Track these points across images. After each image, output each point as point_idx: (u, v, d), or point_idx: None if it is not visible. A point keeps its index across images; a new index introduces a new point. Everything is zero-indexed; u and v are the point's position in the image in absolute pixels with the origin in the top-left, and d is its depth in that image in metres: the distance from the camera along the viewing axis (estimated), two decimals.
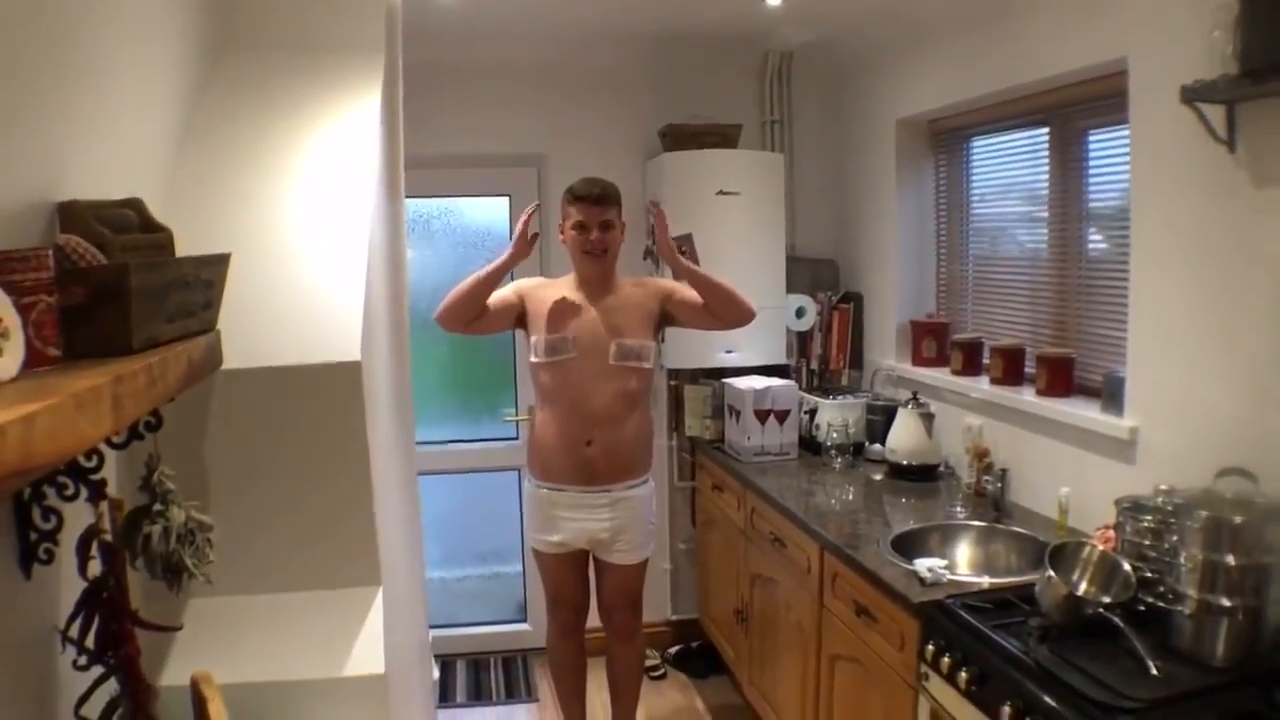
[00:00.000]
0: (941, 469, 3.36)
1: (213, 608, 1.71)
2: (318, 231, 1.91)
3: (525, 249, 3.02)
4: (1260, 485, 1.95)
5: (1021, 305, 3.24)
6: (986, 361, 3.28)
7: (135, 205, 1.48)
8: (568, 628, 3.33)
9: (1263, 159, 2.06)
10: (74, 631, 1.29)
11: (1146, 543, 2.06)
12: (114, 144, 1.60)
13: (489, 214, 4.31)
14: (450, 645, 4.26)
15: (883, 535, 2.73)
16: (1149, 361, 2.45)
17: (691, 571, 4.36)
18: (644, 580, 3.28)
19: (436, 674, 3.63)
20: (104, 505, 1.30)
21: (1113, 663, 1.84)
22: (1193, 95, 2.10)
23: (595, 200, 3.00)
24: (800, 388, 3.93)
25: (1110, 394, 2.61)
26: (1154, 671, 1.79)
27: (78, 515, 1.30)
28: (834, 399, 3.77)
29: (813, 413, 3.79)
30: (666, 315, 3.12)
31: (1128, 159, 2.51)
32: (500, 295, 3.06)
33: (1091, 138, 2.88)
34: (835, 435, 3.59)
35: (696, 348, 3.91)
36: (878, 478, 3.42)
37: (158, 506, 1.43)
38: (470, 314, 3.00)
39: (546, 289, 3.14)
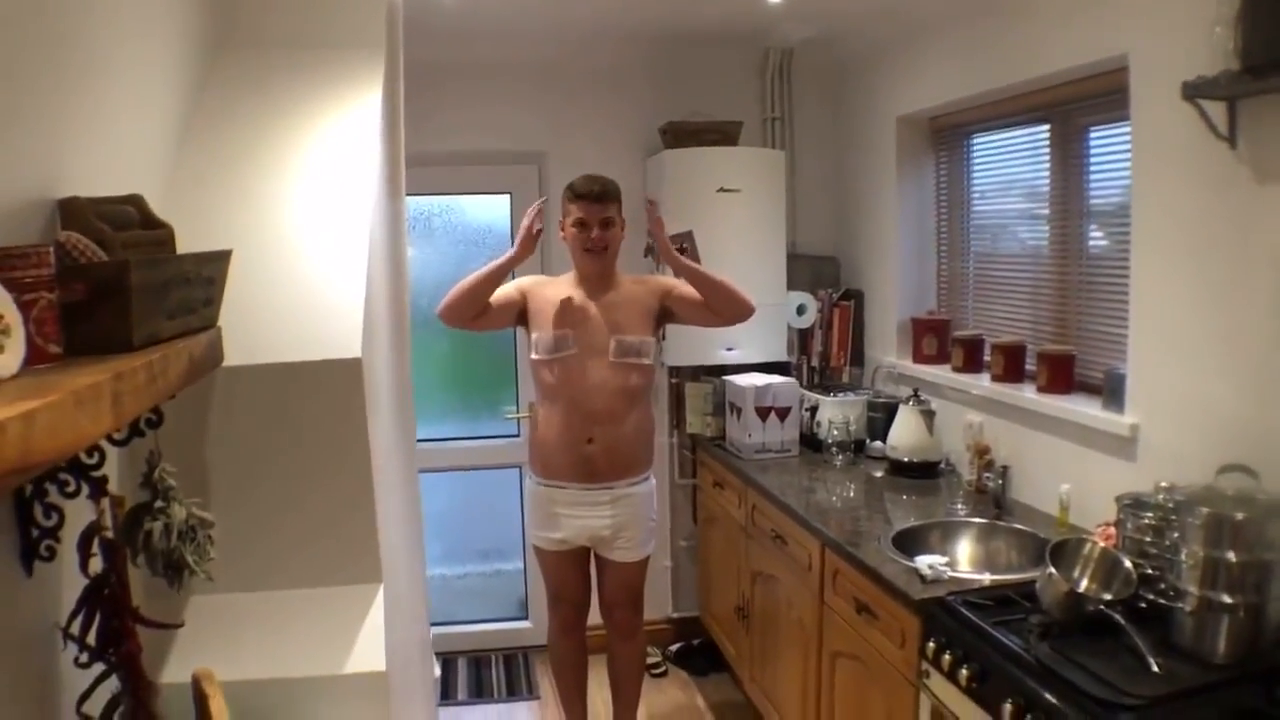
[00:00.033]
0: (942, 466, 3.36)
1: (214, 605, 1.71)
2: (319, 228, 1.91)
3: (530, 246, 3.02)
4: (1261, 482, 1.95)
5: (1022, 302, 3.24)
6: (987, 358, 3.28)
7: (136, 202, 1.48)
8: (569, 625, 3.33)
9: (1264, 155, 2.05)
10: (75, 628, 1.29)
11: (1147, 539, 2.06)
12: (115, 141, 1.60)
13: (490, 212, 4.31)
14: (451, 643, 4.27)
15: (884, 532, 2.73)
16: (1150, 358, 2.45)
17: (692, 569, 4.36)
18: (645, 578, 3.28)
19: (438, 671, 3.63)
20: (105, 502, 1.31)
21: (1114, 660, 1.84)
22: (1194, 92, 2.10)
23: (596, 198, 3.00)
24: (801, 385, 3.93)
25: (1111, 391, 2.61)
26: (1155, 669, 1.79)
27: (79, 512, 1.30)
28: (835, 396, 3.77)
29: (814, 410, 3.79)
30: (666, 312, 3.12)
31: (1129, 156, 2.50)
32: (503, 292, 3.05)
33: (1092, 134, 2.87)
34: (836, 432, 3.59)
35: (697, 345, 3.91)
36: (879, 475, 3.42)
37: (159, 503, 1.43)
38: (473, 310, 3.00)
39: (548, 286, 3.14)
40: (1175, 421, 2.36)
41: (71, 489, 1.27)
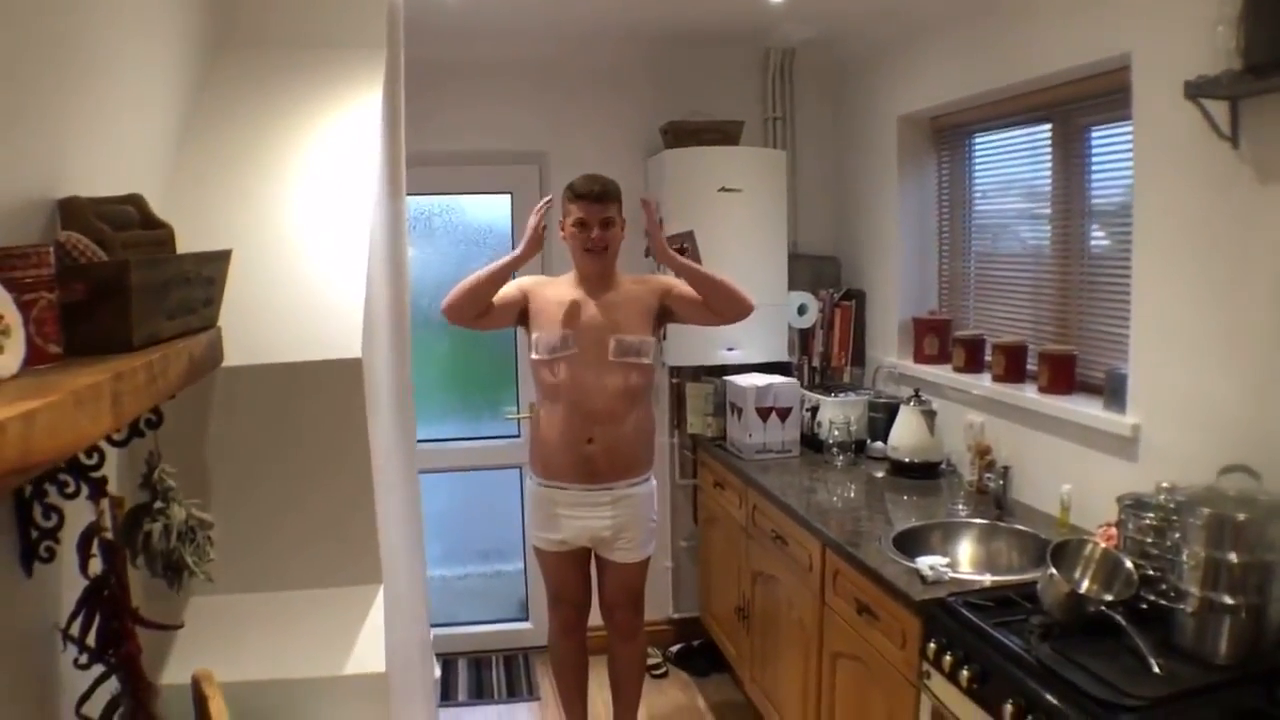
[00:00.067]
0: (943, 466, 3.36)
1: (213, 606, 1.71)
2: (319, 228, 1.90)
3: (537, 245, 3.02)
4: (1263, 482, 1.95)
5: (1023, 302, 3.24)
6: (988, 359, 3.27)
7: (136, 202, 1.48)
8: (569, 626, 3.33)
9: (1266, 155, 2.05)
10: (75, 630, 1.29)
11: (1149, 540, 2.06)
12: (115, 141, 1.60)
13: (490, 212, 4.32)
14: (452, 644, 4.27)
15: (884, 533, 2.73)
16: (1151, 358, 2.45)
17: (693, 569, 4.36)
18: (645, 578, 3.28)
19: (438, 672, 3.63)
20: (105, 503, 1.30)
21: (1115, 661, 1.84)
22: (1196, 91, 2.09)
23: (596, 198, 3.00)
24: (802, 385, 3.93)
25: (1112, 391, 2.61)
26: (1156, 669, 1.79)
27: (79, 513, 1.30)
28: (836, 396, 3.77)
29: (814, 410, 3.79)
30: (666, 311, 3.12)
31: (1130, 155, 2.50)
32: (505, 291, 3.05)
33: (1094, 134, 2.87)
34: (837, 432, 3.59)
35: (698, 345, 3.91)
36: (879, 475, 3.42)
37: (158, 504, 1.43)
38: (477, 308, 3.00)
39: (549, 286, 3.15)
40: (1177, 422, 2.35)
41: (71, 490, 1.26)
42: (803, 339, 4.22)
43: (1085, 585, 2.08)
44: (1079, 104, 2.87)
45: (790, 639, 3.12)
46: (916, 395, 3.41)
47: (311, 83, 2.12)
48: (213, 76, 2.09)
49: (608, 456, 3.03)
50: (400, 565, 2.24)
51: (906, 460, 3.35)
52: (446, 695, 3.99)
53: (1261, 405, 2.09)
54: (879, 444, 3.56)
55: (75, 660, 1.30)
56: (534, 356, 3.07)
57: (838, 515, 3.00)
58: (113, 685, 1.33)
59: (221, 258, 1.52)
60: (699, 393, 4.11)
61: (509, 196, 4.27)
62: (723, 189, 3.87)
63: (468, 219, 4.31)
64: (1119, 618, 1.92)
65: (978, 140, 3.53)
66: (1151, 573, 2.02)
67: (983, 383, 3.21)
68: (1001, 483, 2.91)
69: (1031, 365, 3.06)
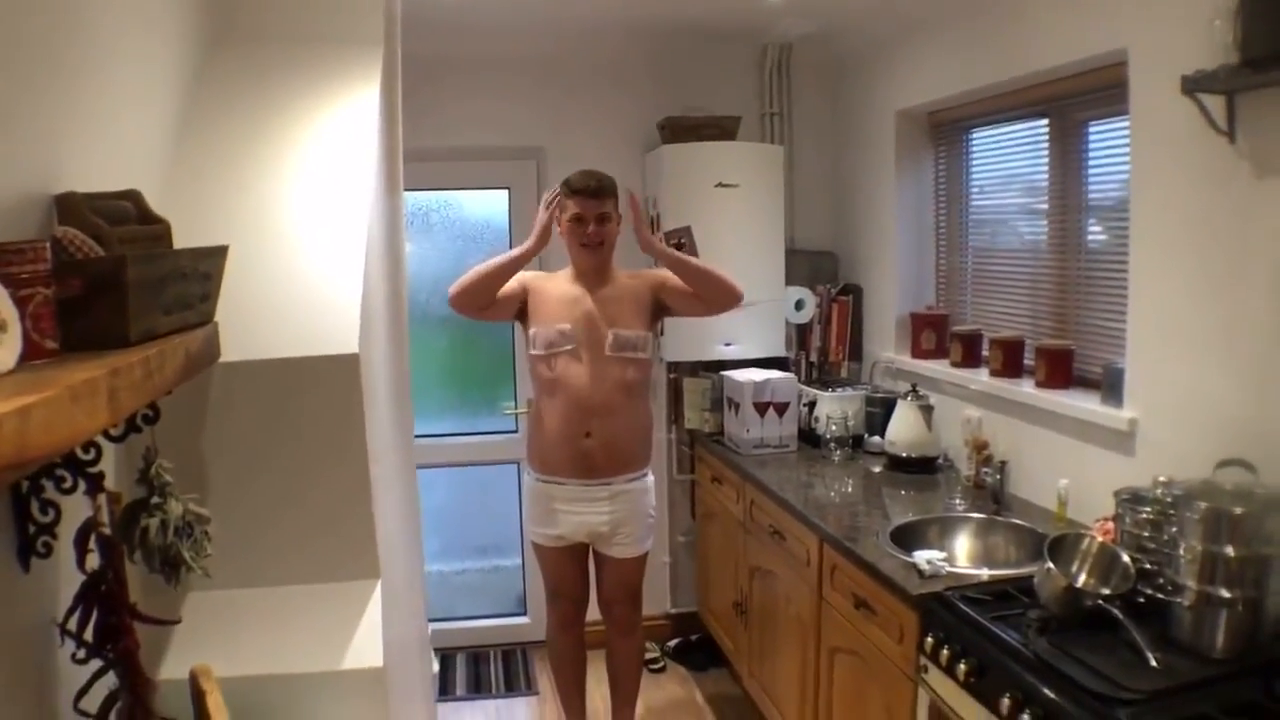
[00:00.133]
0: (940, 461, 3.36)
1: (211, 601, 1.71)
2: (316, 224, 1.90)
3: (547, 239, 3.03)
4: (1260, 476, 1.95)
5: (1021, 297, 3.24)
6: (986, 353, 3.27)
7: (133, 197, 1.48)
8: (567, 621, 3.34)
9: (1264, 149, 2.05)
10: (73, 625, 1.29)
11: (1146, 534, 2.06)
12: (112, 136, 1.59)
13: (488, 207, 4.31)
14: (450, 639, 4.27)
15: (882, 527, 2.73)
16: (1148, 353, 2.45)
17: (691, 564, 4.36)
18: (644, 573, 3.28)
19: (436, 667, 3.63)
20: (102, 498, 1.30)
21: (1112, 654, 1.84)
22: (1193, 86, 2.09)
23: (592, 193, 3.01)
24: (799, 380, 3.93)
25: (1109, 385, 2.61)
26: (1153, 663, 1.79)
27: (76, 508, 1.29)
28: (833, 391, 3.77)
29: (812, 405, 3.79)
30: (661, 304, 3.13)
31: (1127, 150, 2.50)
32: (507, 285, 3.06)
33: (1091, 129, 2.87)
34: (834, 427, 3.59)
35: (695, 340, 3.91)
36: (877, 470, 3.42)
37: (155, 499, 1.43)
38: (485, 300, 3.01)
39: (547, 282, 3.16)
40: (1174, 416, 2.36)
41: (68, 485, 1.26)
42: (800, 334, 4.22)
43: (1082, 579, 2.09)
44: (1076, 99, 2.87)
45: (788, 634, 3.13)
46: (914, 390, 3.41)
47: (309, 78, 2.12)
48: (210, 72, 2.08)
49: (606, 451, 3.03)
50: (398, 560, 2.24)
51: (904, 455, 3.35)
52: (445, 690, 3.99)
53: (1258, 399, 2.09)
54: (876, 439, 3.57)
55: (73, 655, 1.30)
56: (532, 352, 3.07)
57: (835, 510, 3.00)
58: (110, 680, 1.33)
59: (218, 253, 1.51)
60: (696, 388, 4.11)
61: (506, 192, 4.27)
62: (720, 184, 3.87)
63: (465, 214, 4.30)
64: (1116, 611, 1.93)
65: (975, 135, 3.53)
66: (1148, 567, 2.02)
67: (980, 377, 3.21)
68: (999, 477, 2.91)
69: (1029, 360, 3.06)
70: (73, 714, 1.32)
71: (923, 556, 2.40)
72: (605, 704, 3.55)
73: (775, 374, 3.77)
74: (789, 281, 4.09)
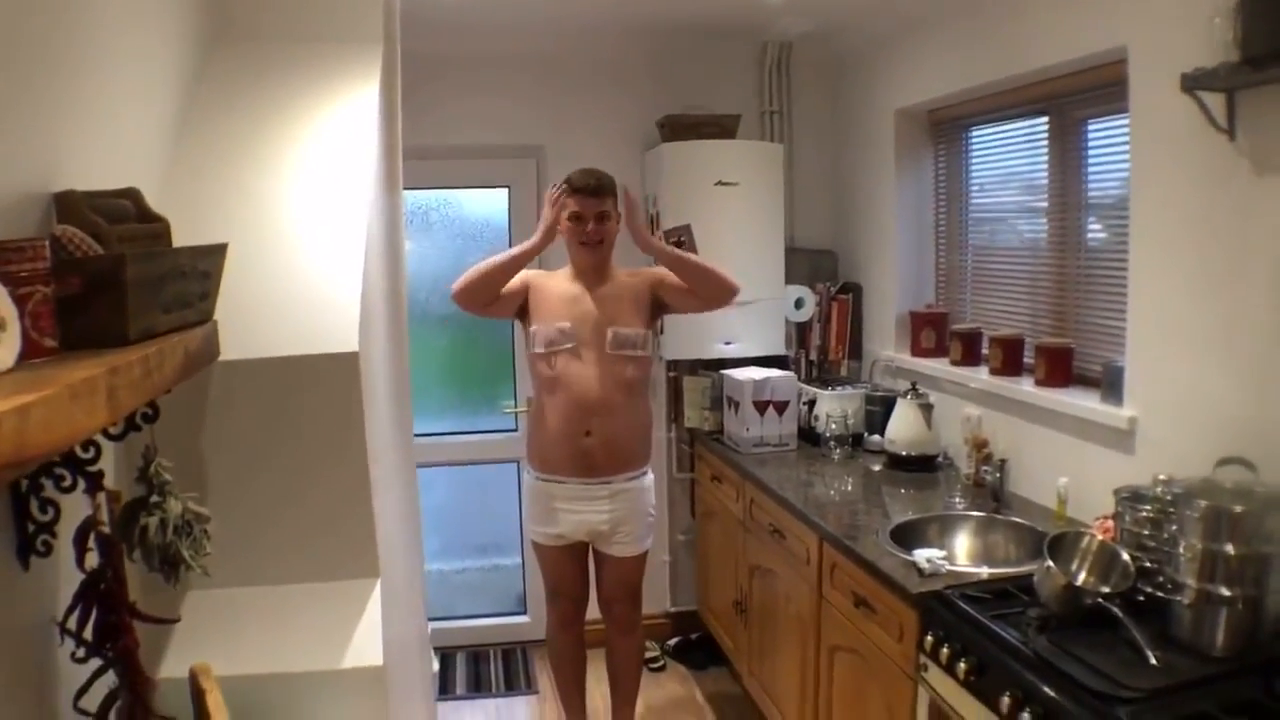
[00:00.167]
0: (940, 459, 3.36)
1: (211, 600, 1.71)
2: (315, 222, 1.90)
3: (553, 235, 3.03)
4: (1260, 475, 1.95)
5: (1020, 295, 3.24)
6: (985, 352, 3.27)
7: (132, 195, 1.47)
8: (567, 620, 3.34)
9: (1263, 147, 2.05)
10: (72, 624, 1.29)
11: (1145, 532, 2.06)
12: (111, 135, 1.59)
13: (487, 206, 4.31)
14: (449, 638, 4.27)
15: (881, 526, 2.73)
16: (1148, 351, 2.45)
17: (690, 563, 4.36)
18: (643, 572, 3.28)
19: (436, 666, 3.63)
20: (101, 497, 1.30)
21: (1111, 653, 1.84)
22: (1193, 83, 2.09)
23: (592, 191, 3.01)
24: (799, 379, 3.93)
25: (1109, 384, 2.61)
26: (1153, 661, 1.79)
27: (75, 507, 1.29)
28: (833, 390, 3.77)
29: (811, 404, 3.79)
30: (659, 302, 3.13)
31: (1127, 148, 2.50)
32: (509, 282, 3.06)
33: (1091, 127, 2.87)
34: (834, 426, 3.59)
35: (695, 339, 3.91)
36: (876, 468, 3.42)
37: (155, 498, 1.43)
38: (489, 295, 3.01)
39: (548, 280, 3.16)
40: (1173, 414, 2.36)
41: (67, 484, 1.26)
42: (800, 333, 4.22)
43: (1082, 578, 2.09)
44: (1076, 97, 2.87)
45: (788, 632, 3.13)
46: (913, 388, 3.41)
47: (308, 77, 2.12)
48: (209, 70, 2.08)
49: (606, 449, 3.03)
50: (398, 559, 2.24)
51: (903, 453, 3.35)
52: (444, 689, 3.99)
53: (1258, 398, 2.09)
54: (876, 437, 3.57)
55: (73, 654, 1.30)
56: (532, 350, 3.07)
57: (835, 509, 3.00)
58: (110, 679, 1.33)
59: (218, 251, 1.51)
60: (696, 387, 4.10)
61: (506, 190, 4.27)
62: (720, 183, 3.87)
63: (465, 213, 4.30)
64: (1116, 610, 1.93)
65: (975, 133, 3.52)
66: (1148, 565, 2.02)
67: (980, 376, 3.21)
68: (998, 475, 2.91)
69: (1028, 358, 3.06)
70: (72, 713, 1.32)
71: (922, 555, 2.40)
72: (605, 703, 3.55)
73: (775, 372, 3.77)
74: (789, 280, 4.09)
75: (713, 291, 3.04)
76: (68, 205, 1.29)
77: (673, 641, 4.30)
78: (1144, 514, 2.08)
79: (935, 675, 2.16)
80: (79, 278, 1.15)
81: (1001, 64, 3.03)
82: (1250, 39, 1.94)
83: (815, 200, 4.34)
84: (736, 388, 3.75)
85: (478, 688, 4.06)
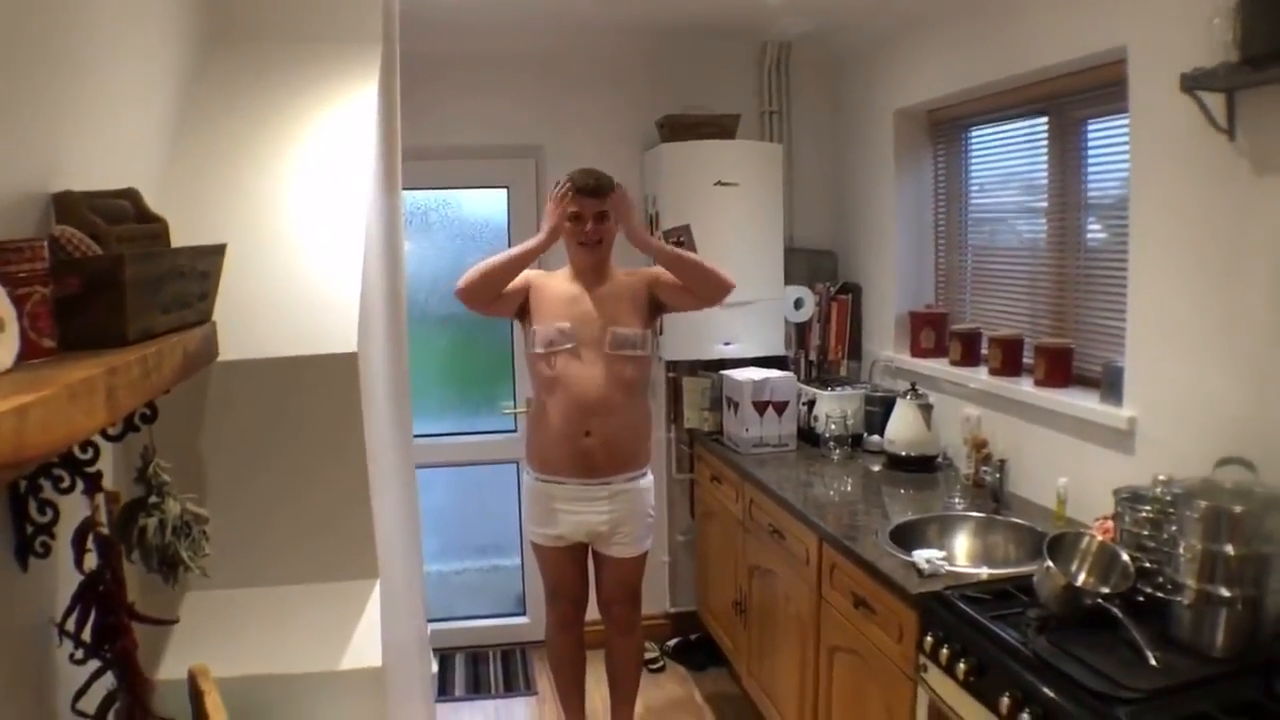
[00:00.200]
0: (940, 460, 3.36)
1: (209, 601, 1.71)
2: (314, 222, 1.90)
3: (558, 234, 3.04)
4: (1259, 475, 1.95)
5: (1020, 296, 3.24)
6: (985, 352, 3.27)
7: (131, 196, 1.47)
8: (566, 621, 3.33)
9: (1263, 147, 2.05)
10: (71, 625, 1.28)
11: (1145, 533, 2.06)
12: (110, 135, 1.59)
13: (487, 206, 4.31)
14: (448, 639, 4.26)
15: (881, 526, 2.73)
16: (1148, 351, 2.45)
17: (690, 564, 4.36)
18: (643, 573, 3.28)
19: (435, 667, 3.63)
20: (100, 498, 1.30)
21: (1111, 653, 1.84)
22: (1192, 83, 2.09)
23: (591, 192, 3.01)
24: (798, 379, 3.93)
25: (1109, 384, 2.61)
26: (1153, 662, 1.79)
27: (74, 508, 1.29)
28: (832, 390, 3.77)
29: (811, 404, 3.79)
30: (656, 300, 3.13)
31: (1127, 148, 2.50)
32: (511, 282, 3.06)
33: (1090, 127, 2.87)
34: (834, 426, 3.59)
35: (694, 339, 3.91)
36: (876, 469, 3.42)
37: (153, 499, 1.42)
38: (492, 294, 3.02)
39: (548, 280, 3.16)
40: (1173, 414, 2.36)
41: (66, 484, 1.26)
42: (799, 333, 4.22)
43: (1082, 578, 2.09)
44: (1075, 97, 2.87)
45: (787, 633, 3.13)
46: (913, 389, 3.41)
47: (307, 77, 2.12)
48: (208, 70, 2.08)
49: (605, 450, 3.03)
50: (397, 560, 2.24)
51: (903, 454, 3.35)
52: (443, 690, 3.99)
53: (1258, 398, 2.09)
54: (875, 438, 3.56)
55: (71, 655, 1.30)
56: (531, 350, 3.07)
57: (834, 509, 3.00)
58: (109, 680, 1.33)
59: (216, 252, 1.51)
60: (696, 387, 4.10)
61: (505, 191, 4.26)
62: (719, 183, 3.87)
63: (464, 214, 4.30)
64: (1115, 610, 1.93)
65: (974, 134, 3.52)
66: (1148, 565, 2.02)
67: (979, 376, 3.21)
68: (998, 476, 2.91)
69: (1028, 359, 3.06)
70: (71, 714, 1.32)
71: (922, 555, 2.39)
72: (604, 704, 3.54)
73: (774, 373, 3.77)
74: (788, 280, 4.09)
75: (708, 288, 3.04)
76: (66, 205, 1.29)
77: (672, 642, 4.30)
78: (1144, 514, 2.07)
79: (935, 676, 2.16)
80: (77, 278, 1.15)
81: (1001, 64, 3.03)
82: (1250, 39, 1.94)
83: (815, 200, 4.34)
84: (736, 388, 3.74)
85: (477, 689, 4.06)
